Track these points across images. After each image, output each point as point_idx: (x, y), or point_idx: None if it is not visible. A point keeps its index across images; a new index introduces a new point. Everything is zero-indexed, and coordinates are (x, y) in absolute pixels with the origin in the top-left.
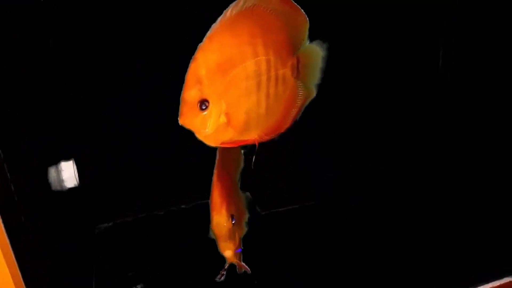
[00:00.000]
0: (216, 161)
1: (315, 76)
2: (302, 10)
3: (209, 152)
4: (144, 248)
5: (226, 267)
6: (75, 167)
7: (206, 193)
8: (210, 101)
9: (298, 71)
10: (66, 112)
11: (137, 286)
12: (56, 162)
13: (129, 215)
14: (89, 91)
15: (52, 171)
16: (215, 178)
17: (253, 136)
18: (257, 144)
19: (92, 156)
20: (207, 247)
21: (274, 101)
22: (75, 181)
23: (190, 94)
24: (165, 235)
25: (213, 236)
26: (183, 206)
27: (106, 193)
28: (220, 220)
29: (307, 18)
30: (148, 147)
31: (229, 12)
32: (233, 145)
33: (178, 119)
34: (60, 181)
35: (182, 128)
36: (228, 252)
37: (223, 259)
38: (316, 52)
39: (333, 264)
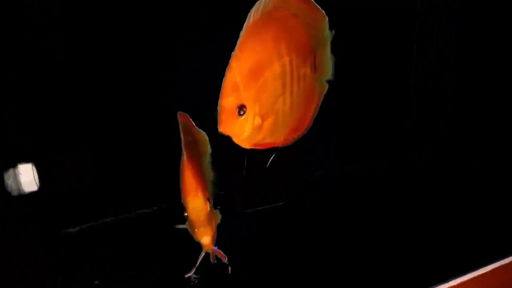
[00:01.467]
0: (183, 143)
1: (329, 71)
2: (319, 7)
3: (175, 153)
4: (112, 253)
5: (199, 260)
6: (34, 170)
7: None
8: (247, 106)
9: (315, 67)
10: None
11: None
12: (13, 165)
13: (95, 219)
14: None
15: (9, 175)
16: (185, 159)
17: (280, 137)
18: (280, 146)
19: (57, 158)
20: (176, 250)
21: (297, 99)
22: (35, 185)
23: (228, 101)
24: (134, 239)
25: (183, 226)
26: (154, 208)
27: (72, 197)
28: (197, 203)
29: (325, 15)
30: (116, 147)
31: (251, 17)
32: (263, 147)
33: (218, 127)
34: (18, 184)
35: (150, 128)
36: (206, 238)
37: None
38: (328, 49)
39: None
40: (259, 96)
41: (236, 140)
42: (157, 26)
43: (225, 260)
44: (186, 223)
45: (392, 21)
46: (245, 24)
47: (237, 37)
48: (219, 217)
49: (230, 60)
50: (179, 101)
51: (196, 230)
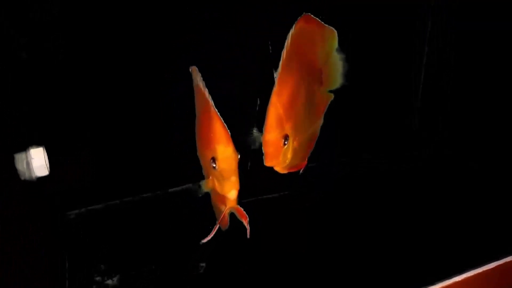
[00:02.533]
0: (204, 94)
1: (336, 82)
2: (327, 26)
3: (179, 139)
4: (118, 236)
5: (220, 220)
6: (45, 154)
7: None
8: (289, 135)
9: (322, 81)
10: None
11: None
12: (24, 148)
13: (100, 202)
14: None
15: (21, 159)
16: (211, 109)
17: (305, 156)
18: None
19: (60, 142)
20: (182, 235)
21: (311, 115)
22: (46, 169)
23: (275, 134)
24: (139, 222)
25: (205, 188)
26: (158, 192)
27: (75, 179)
28: (229, 151)
29: (334, 31)
30: (119, 131)
31: (283, 55)
32: (296, 169)
33: (264, 161)
34: (30, 170)
35: (154, 114)
36: (234, 192)
37: (202, 250)
38: (335, 61)
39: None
40: (296, 123)
41: (279, 168)
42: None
43: (246, 221)
44: (204, 183)
45: (392, 21)
46: (280, 62)
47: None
48: None
49: (271, 96)
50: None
51: (225, 181)
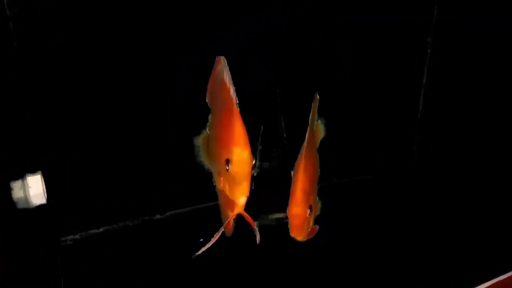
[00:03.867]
0: (229, 89)
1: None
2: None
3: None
4: (117, 262)
5: (226, 223)
6: (43, 181)
7: (183, 202)
8: (312, 204)
9: None
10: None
11: None
12: (20, 176)
13: (97, 226)
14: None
15: (17, 188)
16: (234, 108)
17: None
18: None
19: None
20: (186, 260)
21: None
22: (43, 198)
23: (302, 207)
24: (139, 247)
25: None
26: (157, 217)
27: (72, 203)
28: (246, 155)
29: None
30: (117, 153)
31: (309, 132)
32: (310, 236)
33: (291, 233)
34: (27, 198)
35: (152, 136)
36: (244, 199)
37: (206, 273)
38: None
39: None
40: (315, 192)
41: (302, 238)
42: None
43: (254, 226)
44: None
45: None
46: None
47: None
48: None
49: (297, 171)
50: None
51: (236, 186)
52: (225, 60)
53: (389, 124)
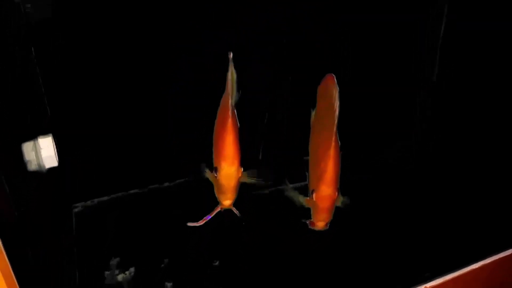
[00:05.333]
0: (227, 108)
1: None
2: None
3: (190, 133)
4: (127, 229)
5: (212, 215)
6: (54, 144)
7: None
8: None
9: None
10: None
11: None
12: (32, 137)
13: (107, 194)
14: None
15: (28, 149)
16: (230, 121)
17: None
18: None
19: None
20: (192, 228)
21: None
22: (55, 160)
23: (333, 188)
24: (149, 215)
25: (207, 176)
26: (166, 184)
27: (83, 170)
28: (231, 171)
29: None
30: (128, 122)
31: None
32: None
33: (317, 218)
34: (39, 160)
35: (160, 107)
36: (228, 202)
37: (211, 237)
38: None
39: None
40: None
41: (326, 223)
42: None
43: (238, 214)
44: (207, 173)
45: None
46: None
47: None
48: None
49: (331, 159)
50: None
51: (223, 194)
52: (231, 57)
53: (388, 124)
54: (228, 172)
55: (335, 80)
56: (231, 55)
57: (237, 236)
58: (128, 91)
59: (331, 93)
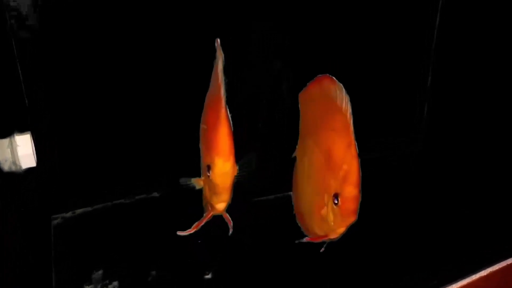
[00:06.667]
0: (220, 97)
1: None
2: None
3: (177, 139)
4: (109, 241)
5: (203, 221)
6: (32, 142)
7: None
8: None
9: None
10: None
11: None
12: (8, 134)
13: (90, 204)
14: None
15: (3, 146)
16: (223, 114)
17: None
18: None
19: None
20: (177, 238)
21: None
22: (33, 160)
23: (359, 189)
24: (133, 226)
25: (196, 186)
26: (154, 194)
27: (64, 178)
28: (227, 167)
29: None
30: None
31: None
32: None
33: (346, 219)
34: (15, 159)
35: (151, 112)
36: (223, 205)
37: (197, 249)
38: None
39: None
40: None
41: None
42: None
43: (230, 224)
44: (195, 181)
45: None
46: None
47: None
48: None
49: (355, 152)
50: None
51: (217, 195)
52: (219, 44)
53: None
54: (223, 168)
55: None
56: (218, 41)
57: (231, 246)
58: (115, 92)
59: None
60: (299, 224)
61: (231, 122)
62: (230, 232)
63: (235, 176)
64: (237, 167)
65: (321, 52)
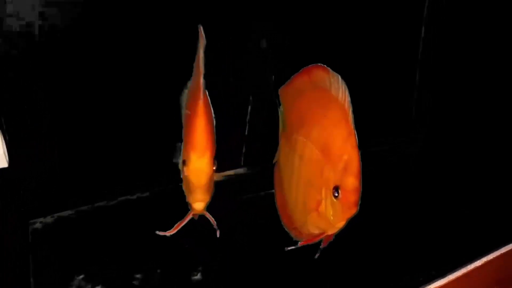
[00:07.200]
0: (199, 82)
1: None
2: None
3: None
4: (91, 245)
5: (184, 222)
6: (3, 142)
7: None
8: None
9: None
10: None
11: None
12: None
13: (70, 207)
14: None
15: None
16: (201, 104)
17: None
18: None
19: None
20: (162, 241)
21: None
22: (5, 160)
23: (360, 179)
24: (116, 228)
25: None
26: (138, 195)
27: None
28: (202, 164)
29: None
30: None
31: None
32: None
33: (349, 212)
34: None
35: (132, 112)
36: (200, 204)
37: (184, 250)
38: None
39: None
40: None
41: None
42: None
43: (214, 225)
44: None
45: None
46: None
47: None
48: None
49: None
50: None
51: (192, 193)
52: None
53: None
54: (198, 165)
55: None
56: (201, 28)
57: (221, 244)
58: (93, 88)
59: None
60: (287, 230)
61: (212, 114)
62: (218, 234)
63: (222, 175)
64: (215, 165)
65: (320, 52)
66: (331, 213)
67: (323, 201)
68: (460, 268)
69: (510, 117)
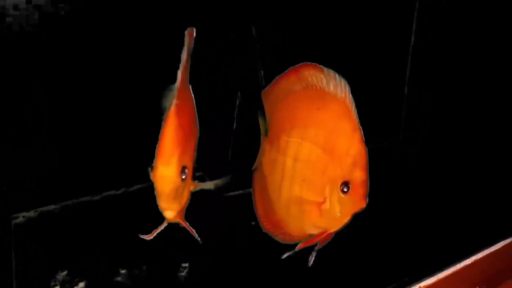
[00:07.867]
0: (177, 94)
1: None
2: None
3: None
4: (74, 241)
5: (159, 230)
6: None
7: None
8: None
9: None
10: None
11: None
12: None
13: (54, 201)
14: None
15: None
16: (172, 109)
17: None
18: None
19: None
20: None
21: None
22: None
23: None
24: (100, 223)
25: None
26: (124, 190)
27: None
28: (167, 172)
29: None
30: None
31: None
32: None
33: (360, 205)
34: None
35: (119, 106)
36: (170, 213)
37: (174, 250)
38: None
39: None
40: None
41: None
42: None
43: (193, 234)
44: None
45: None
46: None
47: None
48: (197, 185)
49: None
50: None
51: (158, 201)
52: (193, 33)
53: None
54: (162, 172)
55: None
56: (189, 32)
57: (208, 239)
58: (81, 82)
59: None
60: (271, 235)
61: (194, 122)
62: (199, 241)
63: (199, 187)
64: (183, 176)
65: (320, 52)
66: (338, 209)
67: (327, 199)
68: (450, 267)
69: (509, 117)
